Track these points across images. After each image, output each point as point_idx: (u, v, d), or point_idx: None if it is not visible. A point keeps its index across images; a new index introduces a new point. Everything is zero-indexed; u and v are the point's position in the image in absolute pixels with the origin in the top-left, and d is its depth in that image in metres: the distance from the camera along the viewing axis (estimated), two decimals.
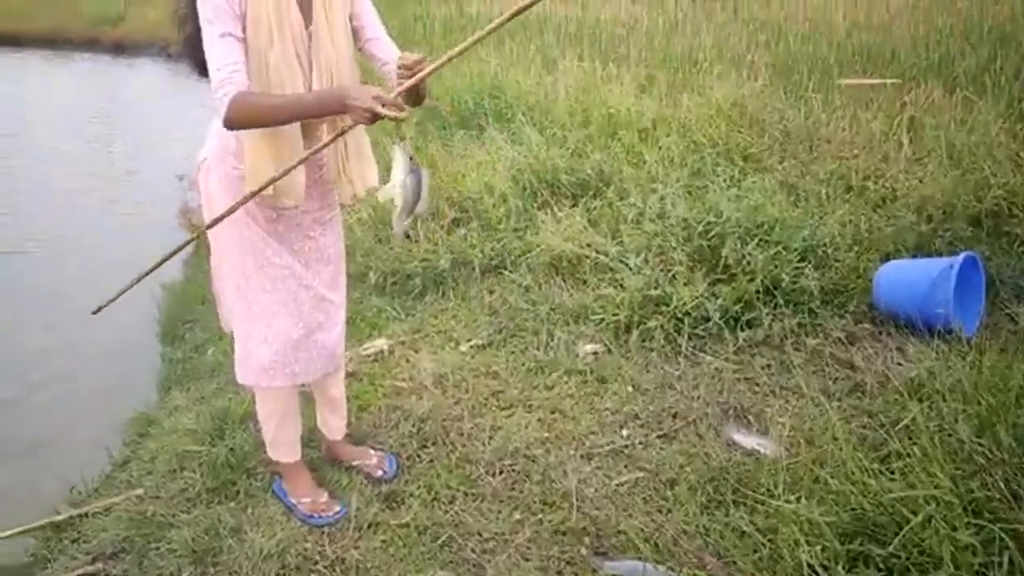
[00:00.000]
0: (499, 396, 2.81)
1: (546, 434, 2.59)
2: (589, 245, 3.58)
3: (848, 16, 7.88)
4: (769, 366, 2.90)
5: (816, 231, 3.38)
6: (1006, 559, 1.66)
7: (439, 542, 2.15)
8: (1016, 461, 1.89)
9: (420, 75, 1.79)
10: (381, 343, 3.15)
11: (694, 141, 4.54)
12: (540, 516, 2.23)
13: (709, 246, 3.37)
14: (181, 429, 2.71)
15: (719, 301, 3.10)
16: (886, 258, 3.44)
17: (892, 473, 1.99)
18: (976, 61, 5.66)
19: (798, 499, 1.99)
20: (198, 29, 1.80)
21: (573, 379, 2.87)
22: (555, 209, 3.97)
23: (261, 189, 1.86)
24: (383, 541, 2.17)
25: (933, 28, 6.90)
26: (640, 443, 2.52)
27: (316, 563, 2.11)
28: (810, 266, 3.24)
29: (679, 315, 3.07)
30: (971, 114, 4.62)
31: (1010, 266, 3.30)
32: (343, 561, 2.11)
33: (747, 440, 2.48)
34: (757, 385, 2.80)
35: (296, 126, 1.92)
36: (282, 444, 2.30)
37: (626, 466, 2.43)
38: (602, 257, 3.49)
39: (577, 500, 2.27)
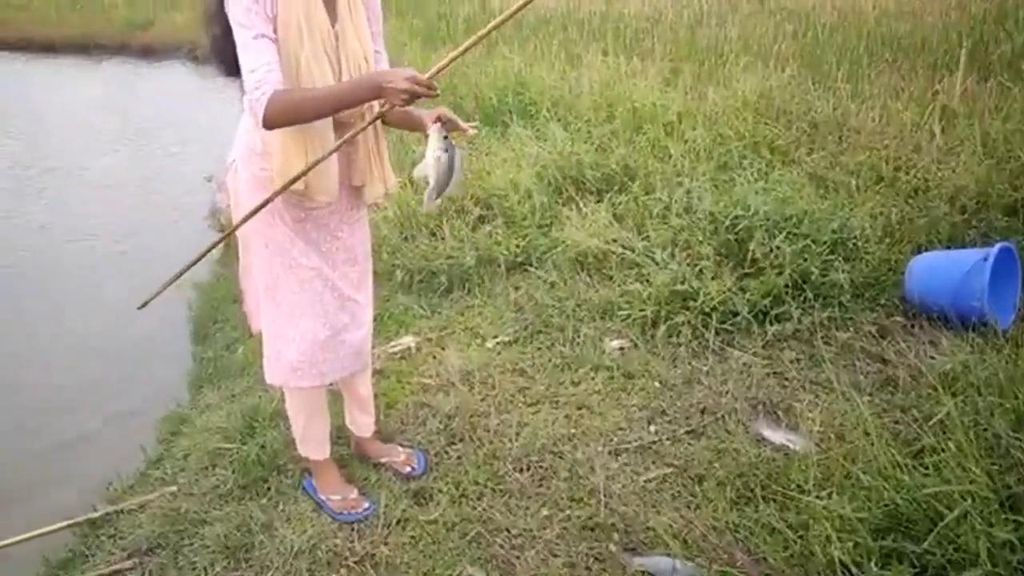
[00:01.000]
0: (526, 392, 2.81)
1: (573, 430, 2.59)
2: (615, 240, 3.57)
3: (878, 4, 7.76)
4: (798, 360, 2.87)
5: (846, 223, 3.33)
6: None
7: (468, 538, 2.16)
8: None
9: (450, 57, 1.80)
10: (408, 340, 3.17)
11: (720, 134, 4.50)
12: (568, 512, 2.23)
13: (736, 240, 3.34)
14: (213, 427, 2.75)
15: (747, 295, 3.08)
16: (918, 250, 3.39)
17: (926, 468, 1.95)
18: (1011, 47, 5.54)
19: (829, 495, 1.97)
20: (225, 30, 1.82)
21: (600, 375, 2.86)
22: (580, 205, 3.96)
23: (292, 182, 1.87)
24: (412, 537, 2.19)
25: (966, 14, 6.77)
26: (668, 439, 2.51)
27: (346, 559, 2.13)
28: (840, 259, 3.20)
29: (706, 310, 3.05)
30: (1006, 102, 4.53)
31: None
32: (372, 557, 2.12)
33: (776, 435, 2.45)
34: (786, 380, 2.77)
35: (327, 123, 1.94)
36: (311, 442, 2.32)
37: (654, 462, 2.42)
38: (628, 252, 3.48)
39: (605, 496, 2.26)
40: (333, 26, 1.91)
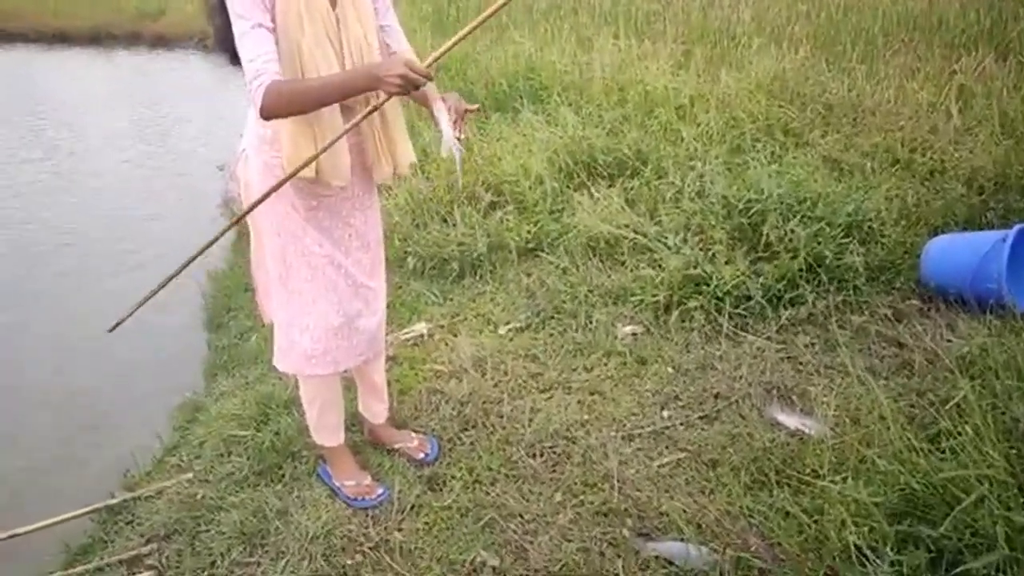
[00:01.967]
0: (538, 378, 2.81)
1: (586, 416, 2.58)
2: (627, 225, 3.55)
3: None
4: (813, 344, 2.85)
5: (861, 206, 3.30)
6: None
7: (481, 524, 2.16)
8: None
9: (447, 45, 1.78)
10: (421, 327, 3.17)
11: (733, 117, 4.46)
12: (581, 498, 2.23)
13: (750, 223, 3.31)
14: (227, 414, 2.77)
15: (761, 280, 3.05)
16: (934, 232, 3.36)
17: (942, 452, 1.94)
18: None
19: (844, 480, 1.97)
20: (227, 20, 1.81)
21: (612, 361, 2.86)
22: (592, 190, 3.94)
23: (302, 167, 1.87)
24: (426, 523, 2.20)
25: None
26: (681, 424, 2.50)
27: (361, 544, 2.14)
28: (855, 242, 3.17)
29: (720, 295, 3.03)
30: None
31: None
32: (387, 543, 2.14)
33: (791, 420, 2.44)
34: (801, 364, 2.75)
35: (335, 109, 1.93)
36: (325, 429, 2.33)
37: (667, 447, 2.41)
38: (640, 237, 3.46)
39: (618, 482, 2.26)
40: (334, 8, 1.89)
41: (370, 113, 1.89)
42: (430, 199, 4.01)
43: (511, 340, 3.08)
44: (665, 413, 2.58)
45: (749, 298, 3.03)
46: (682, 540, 2.00)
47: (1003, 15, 5.85)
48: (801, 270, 3.08)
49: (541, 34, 6.62)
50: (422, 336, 3.15)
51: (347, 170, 1.99)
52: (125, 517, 2.43)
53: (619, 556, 2.02)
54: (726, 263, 3.12)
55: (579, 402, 2.65)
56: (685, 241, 3.28)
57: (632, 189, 3.84)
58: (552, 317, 3.18)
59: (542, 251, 3.62)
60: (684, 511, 2.12)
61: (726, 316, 2.96)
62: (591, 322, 3.08)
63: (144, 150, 7.51)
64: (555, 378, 2.80)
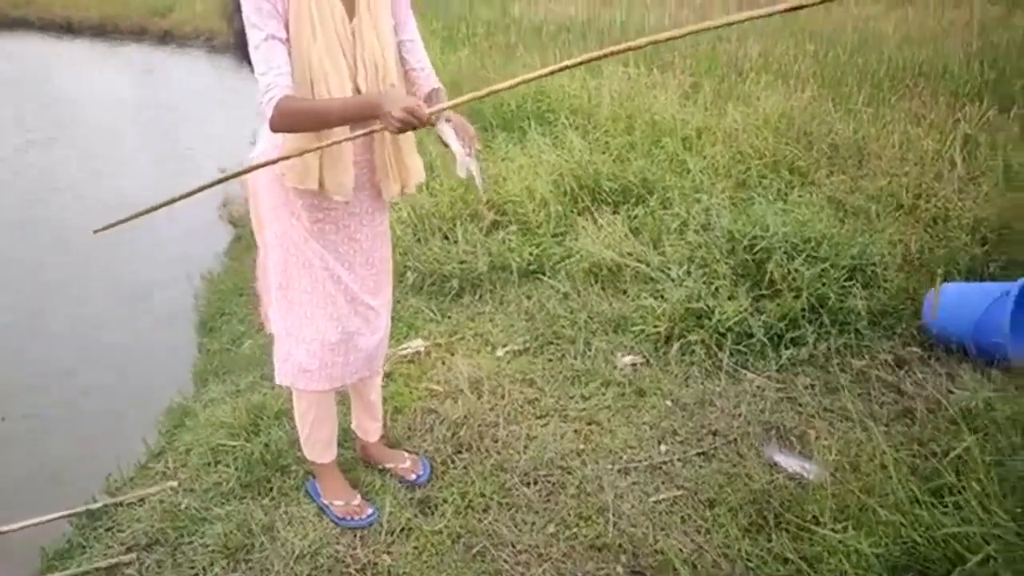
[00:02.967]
0: (535, 404, 2.77)
1: (582, 446, 2.55)
2: (630, 254, 3.54)
3: (898, 29, 7.72)
4: (813, 386, 2.83)
5: (866, 249, 3.29)
6: None
7: (472, 552, 2.12)
8: None
9: (456, 101, 1.77)
10: (418, 344, 3.13)
11: (739, 151, 4.46)
12: (575, 530, 2.19)
13: (754, 260, 3.29)
14: (216, 422, 2.71)
15: (763, 317, 3.04)
16: (934, 280, 3.35)
17: (945, 506, 1.91)
18: None
19: (845, 528, 1.93)
20: (243, 26, 1.79)
21: (610, 391, 2.82)
22: (596, 216, 3.93)
23: (296, 155, 1.84)
24: (415, 547, 2.15)
25: (988, 44, 6.72)
26: (679, 460, 2.47)
27: (348, 566, 2.09)
28: (858, 285, 3.16)
29: (721, 330, 3.01)
30: None
31: None
32: (375, 566, 2.09)
33: (790, 462, 2.41)
34: (800, 405, 2.73)
35: (344, 127, 1.91)
36: (317, 445, 2.28)
37: (663, 483, 2.37)
38: (643, 266, 3.44)
39: (614, 516, 2.22)
40: (350, 21, 1.87)
41: (364, 135, 1.87)
42: (432, 214, 3.99)
43: (508, 363, 3.04)
44: (662, 447, 2.54)
45: (750, 335, 3.01)
46: None
47: (1007, 69, 5.91)
48: (803, 310, 3.06)
49: (550, 57, 6.64)
50: (418, 353, 3.11)
51: (350, 185, 1.96)
52: (105, 523, 2.37)
53: None
54: (729, 298, 3.10)
55: (575, 431, 2.62)
56: (688, 273, 3.26)
57: (636, 217, 3.83)
58: (551, 342, 3.15)
59: (543, 274, 3.60)
60: (680, 550, 2.08)
61: (727, 352, 2.94)
62: (590, 349, 3.05)
63: (144, 147, 7.46)
64: (552, 405, 2.76)
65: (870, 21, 7.97)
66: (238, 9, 1.82)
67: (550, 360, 3.05)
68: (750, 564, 2.00)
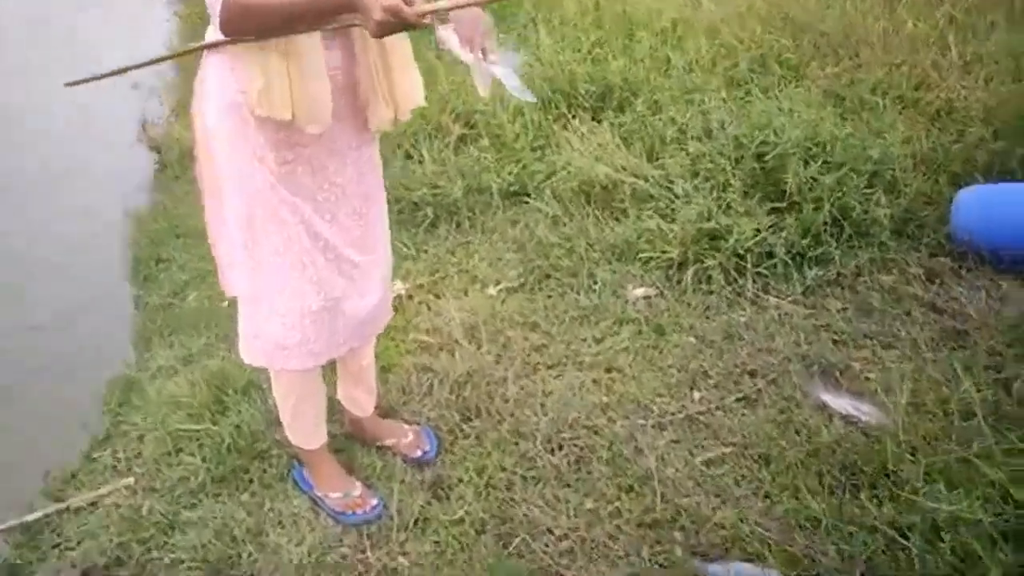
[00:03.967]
0: (543, 352, 2.43)
1: (605, 398, 2.23)
2: (624, 168, 3.14)
3: None
4: (845, 310, 2.55)
5: (887, 151, 2.98)
6: None
7: (504, 545, 1.81)
8: None
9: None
10: (398, 287, 2.72)
11: (723, 44, 4.05)
12: (617, 504, 1.90)
13: (762, 168, 2.96)
14: (171, 399, 2.29)
15: (783, 234, 2.72)
16: (954, 180, 3.08)
17: None
18: None
19: (940, 490, 1.68)
20: None
21: (625, 330, 2.50)
22: (577, 124, 3.51)
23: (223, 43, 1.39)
24: (436, 543, 1.83)
25: None
26: (717, 408, 2.18)
27: (360, 574, 1.75)
28: (880, 192, 2.86)
29: (739, 251, 2.69)
30: None
31: None
32: (393, 572, 1.76)
33: (840, 402, 2.15)
34: (836, 333, 2.45)
35: (315, 41, 1.45)
36: (302, 429, 1.90)
37: (707, 438, 2.09)
38: (640, 182, 3.07)
39: (659, 484, 1.93)
40: None
41: (337, 28, 1.40)
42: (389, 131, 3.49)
43: (503, 303, 2.67)
44: (696, 395, 2.25)
45: (770, 255, 2.71)
46: (750, 561, 1.70)
47: None
48: (826, 223, 2.76)
49: None
50: (400, 298, 2.70)
51: (327, 112, 1.52)
52: (49, 538, 1.97)
53: None
54: (746, 215, 2.77)
55: (595, 381, 2.30)
56: (696, 189, 2.91)
57: (623, 125, 3.42)
58: (548, 276, 2.79)
59: (528, 195, 3.19)
60: (741, 521, 1.81)
61: (749, 277, 2.63)
62: (594, 282, 2.70)
63: (43, 57, 6.51)
64: (563, 352, 2.42)
65: None
66: None
67: (550, 297, 2.70)
68: (831, 536, 1.73)
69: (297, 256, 1.64)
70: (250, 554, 1.81)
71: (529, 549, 1.80)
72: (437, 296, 2.74)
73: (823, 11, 4.49)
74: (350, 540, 1.84)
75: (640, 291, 2.65)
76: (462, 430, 2.14)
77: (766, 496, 1.89)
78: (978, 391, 2.04)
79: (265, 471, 2.03)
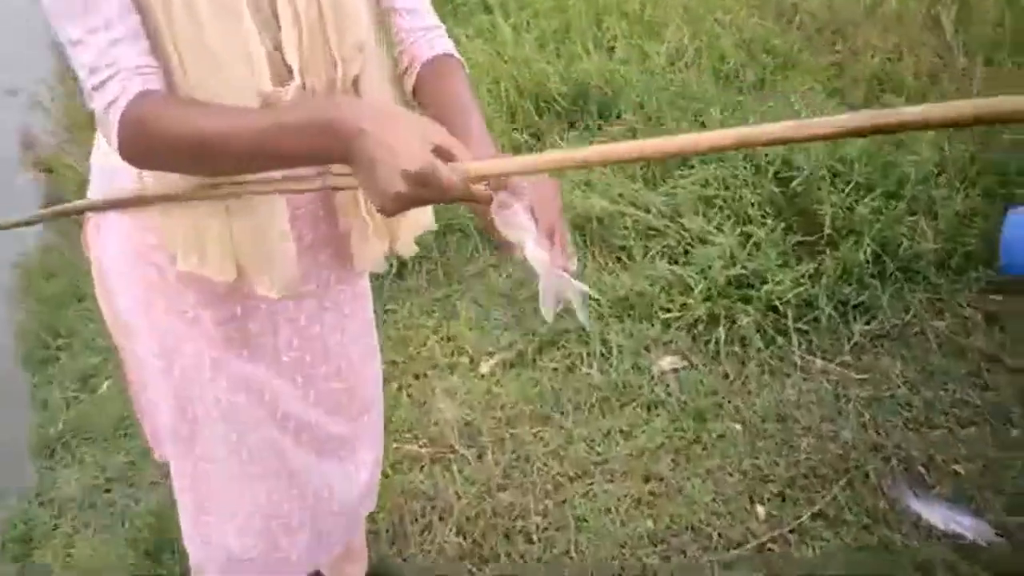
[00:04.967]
0: (562, 458, 1.97)
1: (651, 524, 1.79)
2: (621, 196, 2.68)
3: None
4: (903, 374, 2.17)
5: (920, 167, 2.60)
6: None
7: None
8: None
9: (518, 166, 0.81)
10: None
11: (702, 31, 3.59)
12: None
13: (783, 193, 2.55)
14: (87, 561, 1.73)
15: (823, 280, 2.32)
16: (989, 192, 2.73)
17: None
18: None
19: None
20: None
21: (657, 419, 2.05)
22: (555, 138, 3.01)
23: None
24: None
25: None
26: (792, 532, 1.77)
27: None
28: (924, 220, 2.48)
29: (775, 303, 2.27)
30: None
31: None
32: None
33: (935, 513, 1.77)
34: (902, 407, 2.07)
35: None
36: None
37: None
38: (642, 214, 2.61)
39: None
40: None
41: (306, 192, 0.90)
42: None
43: (500, 384, 2.19)
44: (760, 510, 1.83)
45: (808, 304, 2.31)
46: None
47: None
48: (867, 262, 2.37)
49: None
50: None
51: (292, 273, 0.99)
52: None
53: None
54: (775, 256, 2.35)
55: (635, 499, 1.85)
56: (710, 222, 2.47)
57: (612, 140, 2.94)
58: (550, 341, 2.31)
59: None
60: None
61: (794, 338, 2.22)
62: (608, 351, 2.25)
63: None
64: (585, 455, 1.96)
65: None
66: None
67: (556, 371, 2.23)
68: None
69: (259, 452, 1.11)
70: None
71: None
72: (417, 377, 2.24)
73: None
74: None
75: (667, 362, 2.21)
76: None
77: None
78: None
79: None
